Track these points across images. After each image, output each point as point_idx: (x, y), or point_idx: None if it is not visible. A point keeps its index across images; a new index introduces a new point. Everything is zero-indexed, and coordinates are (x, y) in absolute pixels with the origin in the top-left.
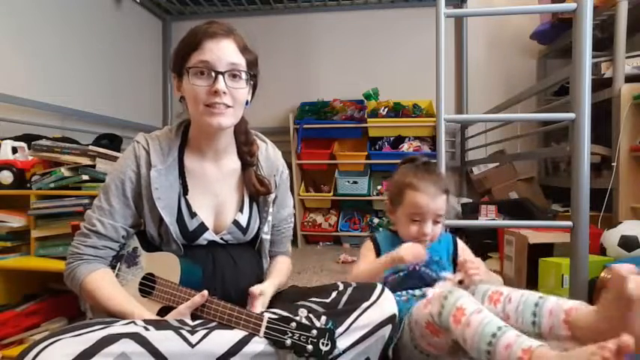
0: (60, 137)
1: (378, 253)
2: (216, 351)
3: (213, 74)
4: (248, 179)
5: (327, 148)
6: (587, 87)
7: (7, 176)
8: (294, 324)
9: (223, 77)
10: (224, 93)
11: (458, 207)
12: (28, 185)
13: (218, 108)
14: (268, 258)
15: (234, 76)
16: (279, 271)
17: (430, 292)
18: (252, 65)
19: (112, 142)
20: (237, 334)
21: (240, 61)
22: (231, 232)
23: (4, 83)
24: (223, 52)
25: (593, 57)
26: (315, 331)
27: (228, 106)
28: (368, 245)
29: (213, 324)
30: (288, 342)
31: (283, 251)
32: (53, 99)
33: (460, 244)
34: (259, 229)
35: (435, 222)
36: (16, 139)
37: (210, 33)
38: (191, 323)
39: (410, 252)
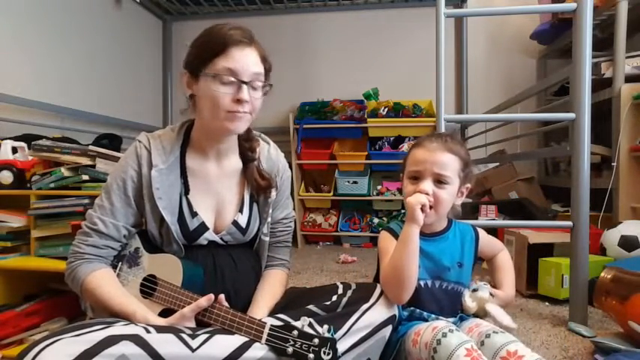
0: (60, 137)
1: None
2: (217, 356)
3: (237, 82)
4: (250, 174)
5: (327, 148)
6: (587, 87)
7: (7, 176)
8: (296, 332)
9: (247, 87)
10: (246, 102)
11: (458, 207)
12: (28, 185)
13: (239, 115)
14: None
15: (254, 85)
16: (273, 295)
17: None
18: (268, 73)
19: (112, 142)
20: (238, 340)
21: (261, 71)
22: (231, 232)
23: (4, 83)
24: (248, 61)
25: (593, 57)
26: (316, 340)
27: (246, 113)
28: (386, 237)
29: (215, 328)
30: (290, 350)
31: (282, 261)
32: (53, 99)
33: (482, 237)
34: (259, 229)
35: (438, 183)
36: (16, 139)
37: (236, 40)
38: (192, 327)
39: (409, 201)
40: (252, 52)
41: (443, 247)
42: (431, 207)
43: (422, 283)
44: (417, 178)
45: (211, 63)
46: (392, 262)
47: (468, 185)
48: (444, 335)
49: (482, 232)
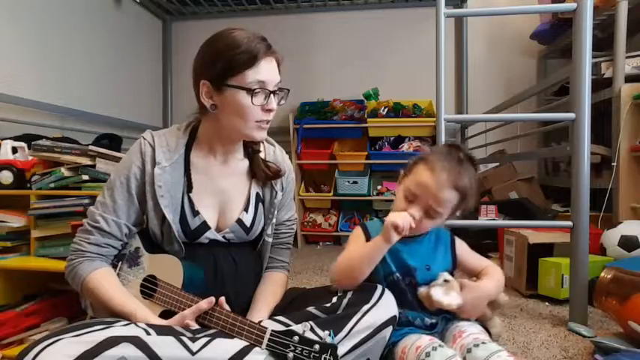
0: (60, 137)
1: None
2: (217, 359)
3: (266, 92)
4: (257, 165)
5: (327, 148)
6: (587, 87)
7: (7, 176)
8: (296, 337)
9: (274, 96)
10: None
11: None
12: (28, 185)
13: (265, 124)
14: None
15: (275, 94)
16: (273, 297)
17: (422, 288)
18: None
19: (112, 142)
20: (238, 344)
21: (280, 78)
22: (234, 230)
23: (4, 83)
24: (274, 71)
25: (593, 57)
26: (317, 346)
27: (269, 121)
28: (357, 232)
29: (215, 331)
30: (290, 355)
31: (282, 263)
32: (53, 99)
33: (459, 245)
34: (263, 230)
35: (429, 215)
36: (16, 139)
37: (264, 52)
38: (193, 329)
39: (387, 219)
40: (274, 61)
41: (414, 248)
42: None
43: (395, 276)
44: (411, 200)
45: (240, 75)
46: (350, 258)
47: (463, 208)
48: (428, 355)
49: (462, 244)
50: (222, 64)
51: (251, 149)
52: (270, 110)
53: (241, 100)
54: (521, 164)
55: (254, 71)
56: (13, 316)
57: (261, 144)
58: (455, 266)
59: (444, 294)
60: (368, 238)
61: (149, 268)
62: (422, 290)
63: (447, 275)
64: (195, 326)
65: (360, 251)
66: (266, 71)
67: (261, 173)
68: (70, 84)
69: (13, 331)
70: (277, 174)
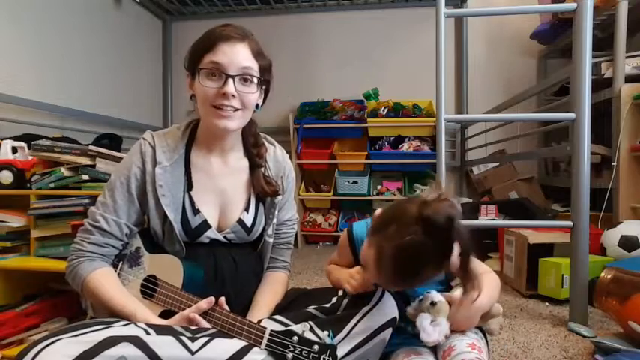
0: (60, 137)
1: (355, 251)
2: (216, 359)
3: (223, 76)
4: (256, 180)
5: (327, 148)
6: (587, 87)
7: (7, 176)
8: (295, 337)
9: (233, 80)
10: (233, 96)
11: (458, 207)
12: (28, 185)
13: (225, 110)
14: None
15: (244, 80)
16: (274, 296)
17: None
18: (265, 70)
19: (112, 142)
20: (237, 343)
21: (253, 66)
22: (235, 231)
23: (4, 83)
24: (236, 55)
25: (593, 57)
26: (316, 347)
27: (237, 109)
28: (343, 240)
29: (214, 331)
30: (290, 356)
31: (283, 263)
32: (53, 99)
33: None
34: (264, 230)
35: None
36: (16, 139)
37: (225, 36)
38: (192, 328)
39: (349, 284)
40: (243, 47)
41: None
42: None
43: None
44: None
45: (201, 60)
46: (332, 277)
47: None
48: None
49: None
50: (191, 52)
51: (255, 160)
52: (225, 94)
53: (199, 83)
54: (521, 164)
55: (211, 54)
56: (13, 316)
57: (266, 154)
58: (451, 277)
59: (432, 322)
60: (353, 245)
61: (149, 267)
62: (410, 311)
63: (434, 295)
64: (200, 320)
65: (338, 275)
66: (222, 54)
67: (260, 189)
68: (69, 84)
69: (13, 331)
70: (275, 194)
